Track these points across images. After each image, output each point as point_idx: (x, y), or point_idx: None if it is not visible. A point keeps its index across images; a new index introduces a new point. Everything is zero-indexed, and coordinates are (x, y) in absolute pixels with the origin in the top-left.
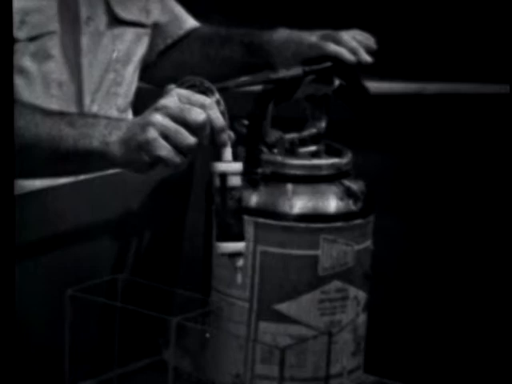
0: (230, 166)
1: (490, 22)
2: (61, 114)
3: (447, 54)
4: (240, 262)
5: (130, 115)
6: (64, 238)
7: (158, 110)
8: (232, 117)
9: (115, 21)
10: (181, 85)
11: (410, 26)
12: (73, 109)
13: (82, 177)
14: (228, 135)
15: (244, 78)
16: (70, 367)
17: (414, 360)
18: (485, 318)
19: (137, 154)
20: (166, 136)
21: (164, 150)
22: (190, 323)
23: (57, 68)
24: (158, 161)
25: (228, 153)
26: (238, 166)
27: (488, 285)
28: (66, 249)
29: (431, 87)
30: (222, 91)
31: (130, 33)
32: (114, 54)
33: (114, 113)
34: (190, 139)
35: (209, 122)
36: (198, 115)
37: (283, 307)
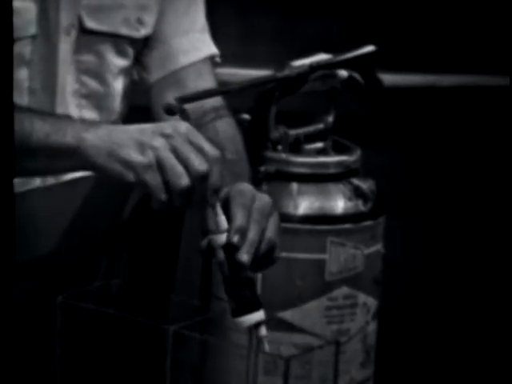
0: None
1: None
2: (31, 110)
3: (454, 46)
4: (263, 331)
5: None
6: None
7: (165, 135)
8: (234, 111)
9: (83, 30)
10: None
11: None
12: None
13: (67, 176)
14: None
15: (249, 79)
16: (62, 377)
17: (427, 371)
18: (506, 326)
19: (119, 167)
20: (161, 166)
21: (154, 179)
22: (187, 332)
23: (31, 75)
24: (141, 186)
25: (222, 220)
26: None
27: (509, 292)
28: (51, 260)
29: (445, 80)
30: (227, 94)
31: (101, 43)
32: None
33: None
34: (184, 180)
35: (207, 176)
36: (199, 166)
37: (287, 315)
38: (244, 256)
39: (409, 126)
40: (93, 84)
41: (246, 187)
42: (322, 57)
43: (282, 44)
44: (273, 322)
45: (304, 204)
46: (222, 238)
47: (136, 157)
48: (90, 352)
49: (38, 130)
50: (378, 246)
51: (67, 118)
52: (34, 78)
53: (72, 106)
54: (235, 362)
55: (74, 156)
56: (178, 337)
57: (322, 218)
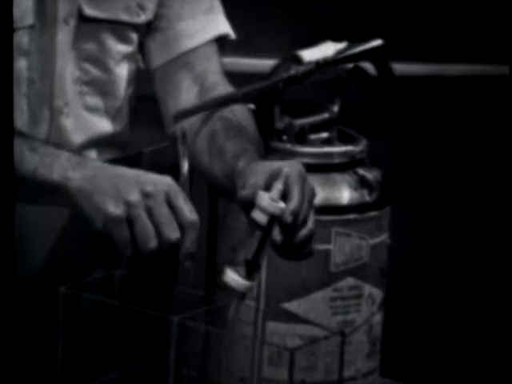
0: (278, 207)
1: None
2: (23, 136)
3: (459, 36)
4: (236, 302)
5: (119, 120)
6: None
7: (144, 192)
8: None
9: (83, 18)
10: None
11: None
12: (44, 109)
13: None
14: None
15: (253, 86)
16: (64, 369)
17: (433, 362)
18: (510, 320)
19: (93, 212)
20: (131, 223)
21: (120, 234)
22: (192, 323)
23: (30, 65)
24: (109, 236)
25: (278, 190)
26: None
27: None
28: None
29: (451, 69)
30: (231, 102)
31: (101, 30)
32: None
33: (84, 114)
34: (152, 242)
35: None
36: (172, 233)
37: (292, 306)
38: (279, 238)
39: (415, 116)
40: (94, 71)
41: (301, 167)
42: (329, 46)
43: (288, 33)
44: (278, 313)
45: None
46: (277, 208)
47: (108, 207)
48: (93, 343)
49: (27, 161)
50: (383, 237)
51: (57, 150)
52: (32, 68)
53: (72, 94)
54: (240, 353)
55: (58, 192)
56: (183, 328)
57: (327, 209)
